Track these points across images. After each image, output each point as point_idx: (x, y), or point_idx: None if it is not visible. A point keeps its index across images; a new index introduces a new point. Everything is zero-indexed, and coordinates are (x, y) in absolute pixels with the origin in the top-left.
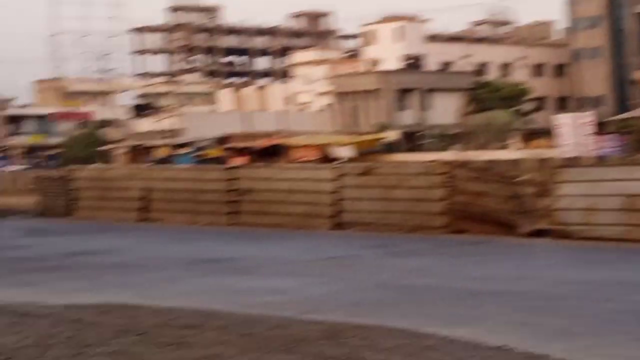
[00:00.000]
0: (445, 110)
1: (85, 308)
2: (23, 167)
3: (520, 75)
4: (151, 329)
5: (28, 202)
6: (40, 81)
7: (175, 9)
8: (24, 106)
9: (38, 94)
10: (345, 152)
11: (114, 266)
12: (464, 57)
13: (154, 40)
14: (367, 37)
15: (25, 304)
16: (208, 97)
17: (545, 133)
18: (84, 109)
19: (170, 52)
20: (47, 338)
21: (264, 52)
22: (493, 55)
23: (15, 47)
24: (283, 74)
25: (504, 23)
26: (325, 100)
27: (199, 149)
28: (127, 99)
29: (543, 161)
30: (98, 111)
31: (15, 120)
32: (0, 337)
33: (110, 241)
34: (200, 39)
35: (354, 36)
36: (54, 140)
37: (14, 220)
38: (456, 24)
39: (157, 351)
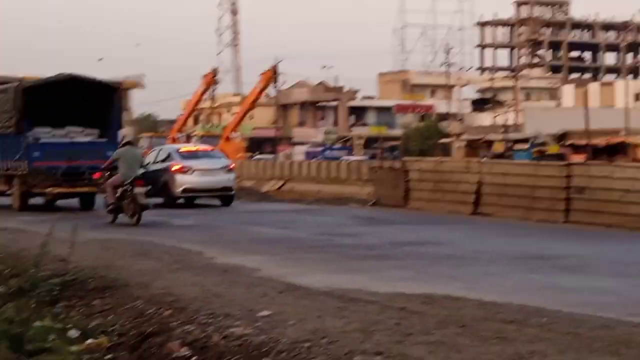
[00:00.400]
0: None
1: (410, 297)
2: (362, 157)
3: None
4: (473, 321)
5: (365, 192)
6: (384, 73)
7: (521, 3)
8: (367, 98)
9: (381, 86)
10: None
11: (442, 257)
12: None
13: (498, 34)
14: None
15: (353, 290)
16: (551, 93)
17: None
18: (425, 101)
19: (514, 46)
20: (371, 324)
21: (611, 48)
22: None
23: (363, 40)
24: (631, 70)
25: None
26: None
27: (538, 144)
28: (468, 93)
29: None
30: (439, 104)
31: (358, 111)
32: (327, 321)
33: (440, 233)
34: (545, 34)
35: None
36: (394, 132)
37: (350, 209)
38: None
39: (478, 344)
